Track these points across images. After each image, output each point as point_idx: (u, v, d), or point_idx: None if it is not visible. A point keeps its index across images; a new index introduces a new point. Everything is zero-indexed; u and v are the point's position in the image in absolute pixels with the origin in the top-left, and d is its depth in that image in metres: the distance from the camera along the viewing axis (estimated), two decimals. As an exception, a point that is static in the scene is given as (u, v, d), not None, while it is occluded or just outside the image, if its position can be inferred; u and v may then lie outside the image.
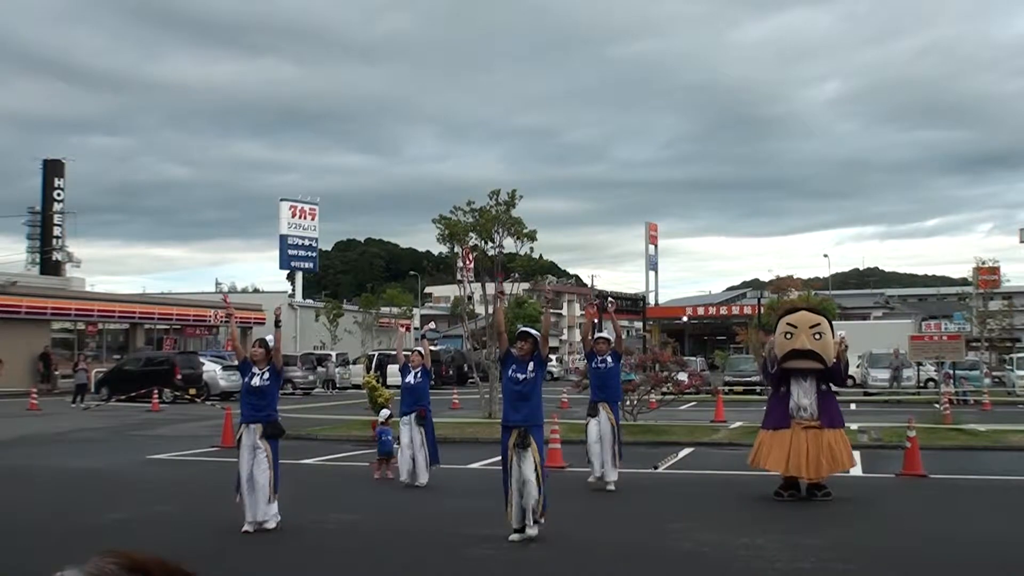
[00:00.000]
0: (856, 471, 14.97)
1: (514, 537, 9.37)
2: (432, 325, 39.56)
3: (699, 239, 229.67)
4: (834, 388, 12.93)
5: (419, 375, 13.91)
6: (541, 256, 30.03)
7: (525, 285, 43.21)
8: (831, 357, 12.39)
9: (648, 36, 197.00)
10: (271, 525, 10.13)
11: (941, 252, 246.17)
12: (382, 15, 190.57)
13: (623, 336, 10.71)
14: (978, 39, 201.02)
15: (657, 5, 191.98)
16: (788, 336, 12.47)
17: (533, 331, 10.03)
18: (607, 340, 14.36)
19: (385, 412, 15.74)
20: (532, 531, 9.34)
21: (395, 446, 14.65)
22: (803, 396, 12.24)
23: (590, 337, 14.75)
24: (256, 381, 10.46)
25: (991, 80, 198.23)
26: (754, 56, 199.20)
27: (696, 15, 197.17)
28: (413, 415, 13.64)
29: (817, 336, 12.36)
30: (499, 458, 14.65)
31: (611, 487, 13.05)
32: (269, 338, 10.82)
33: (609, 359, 13.65)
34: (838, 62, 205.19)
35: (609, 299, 14.92)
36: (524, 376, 9.67)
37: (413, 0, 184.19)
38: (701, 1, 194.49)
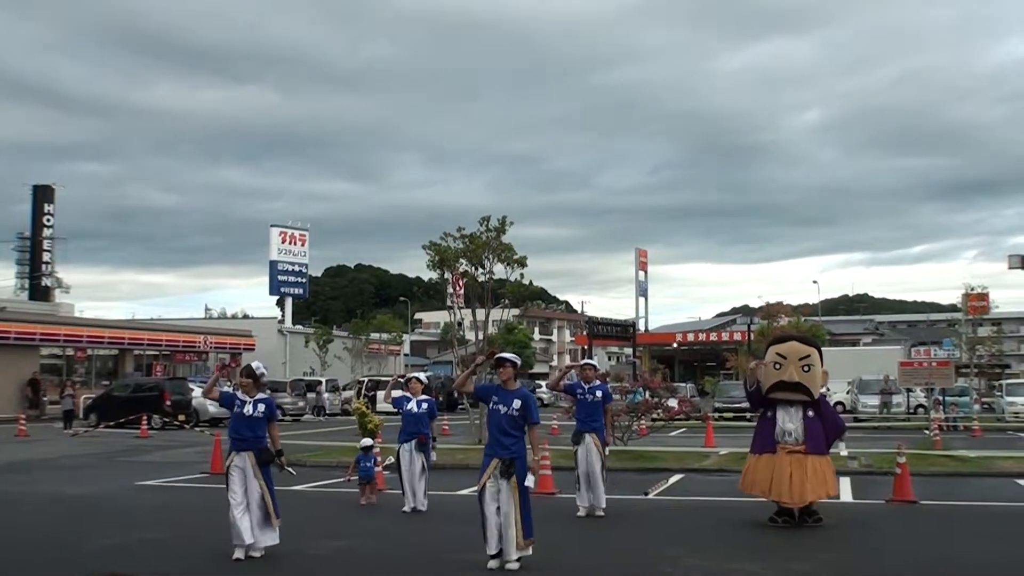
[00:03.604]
0: (846, 497, 15.01)
1: (492, 564, 9.25)
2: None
3: (685, 266, 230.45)
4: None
5: (422, 405, 13.87)
6: (531, 282, 30.04)
7: (515, 311, 43.20)
8: (817, 389, 12.43)
9: (629, 65, 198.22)
10: (257, 554, 9.94)
11: (928, 279, 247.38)
12: (364, 44, 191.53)
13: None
14: (957, 68, 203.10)
15: (636, 35, 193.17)
16: (777, 367, 12.47)
17: (511, 356, 9.74)
18: (594, 367, 14.28)
19: (366, 441, 15.69)
20: (513, 564, 9.17)
21: (376, 470, 14.69)
22: (788, 421, 12.25)
23: (563, 382, 14.71)
24: (248, 410, 10.19)
25: (971, 108, 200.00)
26: (735, 85, 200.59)
27: (675, 45, 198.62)
28: (413, 442, 13.64)
29: (806, 368, 12.36)
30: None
31: (600, 512, 13.04)
32: (255, 364, 10.74)
33: (598, 393, 13.45)
34: (819, 90, 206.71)
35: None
36: (507, 410, 9.36)
37: (395, 29, 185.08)
38: (680, 32, 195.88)
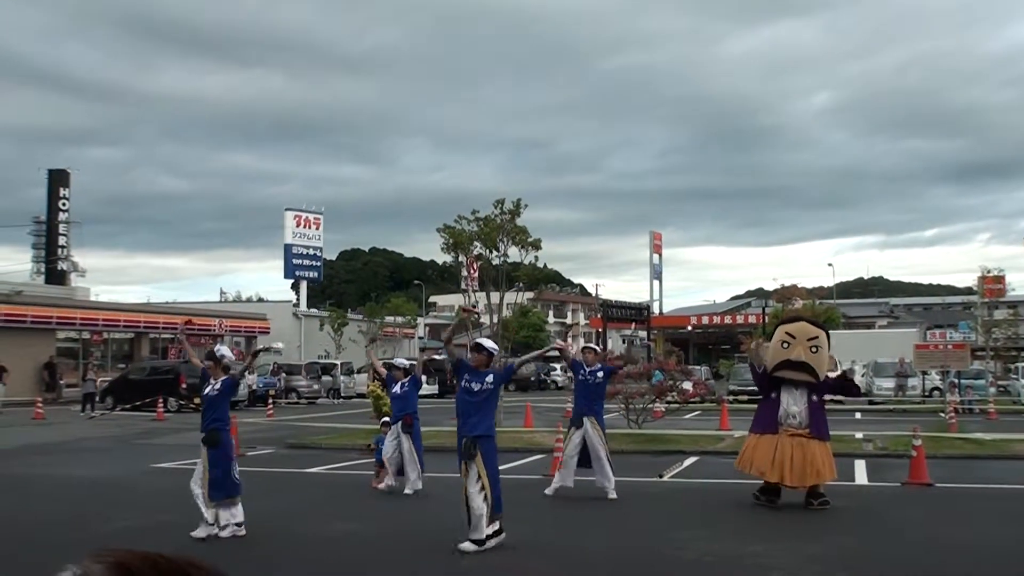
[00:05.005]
0: (862, 480, 14.99)
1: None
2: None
3: (698, 249, 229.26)
4: (839, 397, 12.93)
5: (405, 385, 14.14)
6: (545, 265, 29.97)
7: (530, 294, 43.18)
8: (823, 371, 12.41)
9: (636, 49, 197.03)
10: (225, 533, 10.16)
11: (942, 261, 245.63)
12: (370, 29, 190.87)
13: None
14: (963, 51, 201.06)
15: (642, 20, 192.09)
16: (785, 345, 12.48)
17: (488, 344, 10.07)
18: (595, 350, 14.38)
19: (387, 418, 15.83)
20: (489, 543, 9.34)
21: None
22: (793, 404, 12.26)
23: (569, 354, 14.89)
24: (206, 390, 10.77)
25: (979, 91, 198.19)
26: (742, 68, 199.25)
27: (681, 30, 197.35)
28: (400, 423, 13.87)
29: (814, 349, 12.37)
30: (503, 467, 14.62)
31: (612, 495, 13.08)
32: (218, 348, 11.07)
33: (600, 374, 13.55)
34: (826, 74, 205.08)
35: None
36: (479, 387, 9.67)
37: (400, 14, 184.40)
38: (685, 16, 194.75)
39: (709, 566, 8.92)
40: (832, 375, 12.88)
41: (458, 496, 13.33)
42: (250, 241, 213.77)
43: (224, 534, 10.13)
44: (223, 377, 10.80)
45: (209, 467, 10.37)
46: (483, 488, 9.38)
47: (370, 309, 60.64)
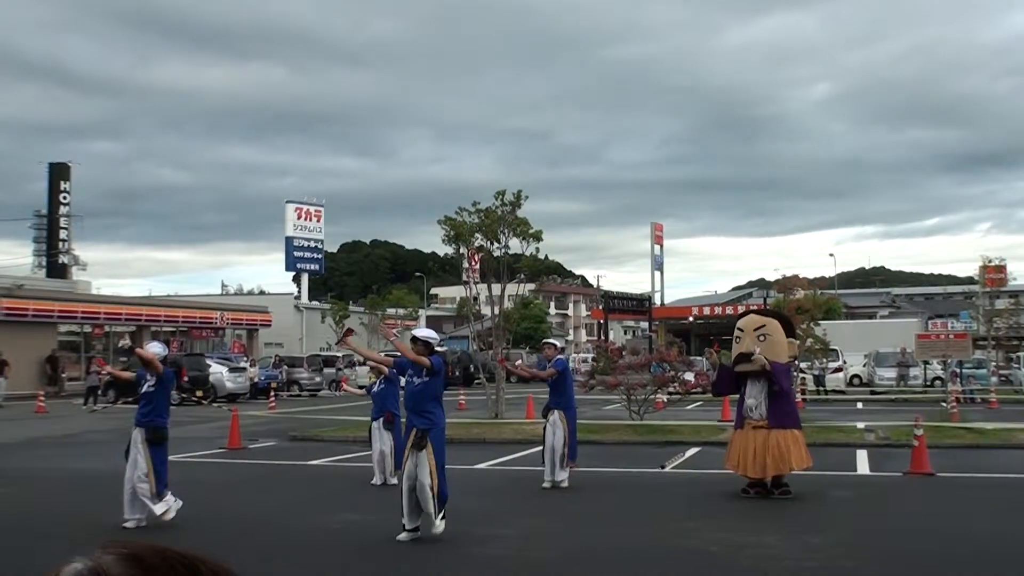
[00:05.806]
0: (863, 469, 15.01)
1: (402, 536, 9.55)
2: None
3: (699, 239, 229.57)
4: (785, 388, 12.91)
5: (382, 383, 14.30)
6: (547, 257, 29.89)
7: (531, 286, 43.17)
8: (780, 358, 12.44)
9: (635, 40, 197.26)
10: (129, 524, 10.53)
11: (943, 251, 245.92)
12: (369, 21, 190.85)
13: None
14: (962, 40, 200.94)
15: (642, 10, 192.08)
16: (738, 340, 12.72)
17: (421, 334, 10.24)
18: (555, 346, 14.55)
19: None
20: (438, 527, 9.49)
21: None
22: (751, 397, 12.38)
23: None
24: (144, 387, 11.26)
25: (978, 80, 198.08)
26: (742, 59, 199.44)
27: (681, 20, 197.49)
28: (381, 420, 14.04)
29: (762, 338, 12.48)
30: (506, 458, 14.75)
31: (564, 484, 13.26)
32: (150, 347, 11.61)
33: (557, 367, 13.78)
34: (826, 64, 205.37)
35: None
36: (419, 379, 9.84)
37: (399, 5, 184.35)
38: (685, 6, 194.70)
39: (712, 556, 8.94)
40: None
41: (464, 487, 13.40)
42: (251, 234, 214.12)
43: (130, 525, 10.56)
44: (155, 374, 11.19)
45: (155, 465, 10.75)
46: (433, 482, 9.50)
47: (371, 301, 60.72)
